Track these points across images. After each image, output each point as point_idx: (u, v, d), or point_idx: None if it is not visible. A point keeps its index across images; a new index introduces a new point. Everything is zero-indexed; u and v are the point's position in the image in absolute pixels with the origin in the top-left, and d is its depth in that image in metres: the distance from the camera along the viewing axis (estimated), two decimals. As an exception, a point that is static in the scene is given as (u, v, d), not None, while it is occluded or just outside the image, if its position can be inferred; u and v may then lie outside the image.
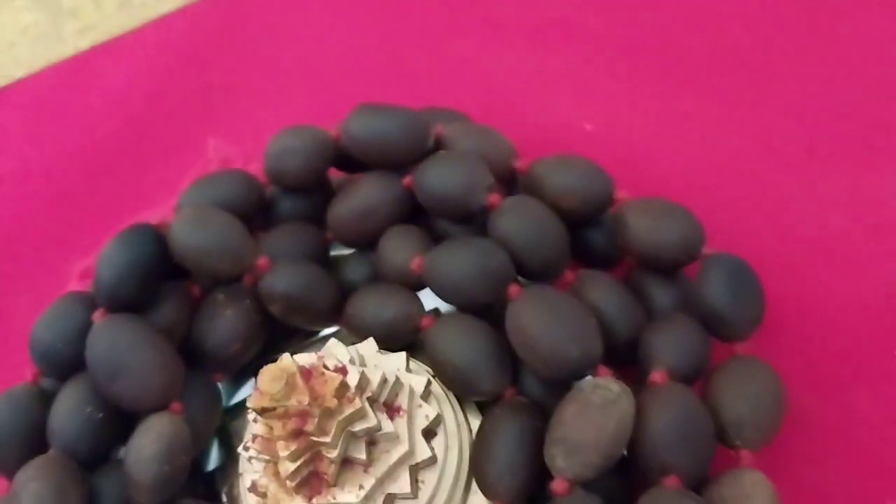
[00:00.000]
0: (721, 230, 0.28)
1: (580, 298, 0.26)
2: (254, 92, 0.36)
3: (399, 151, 0.28)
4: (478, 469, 0.24)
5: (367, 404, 0.22)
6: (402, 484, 0.23)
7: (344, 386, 0.22)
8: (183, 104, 0.36)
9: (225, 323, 0.26)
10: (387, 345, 0.26)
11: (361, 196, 0.28)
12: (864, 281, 0.28)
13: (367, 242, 0.28)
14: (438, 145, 0.28)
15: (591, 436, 0.22)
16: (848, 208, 0.29)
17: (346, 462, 0.23)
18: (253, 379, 0.28)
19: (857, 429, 0.26)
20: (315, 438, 0.22)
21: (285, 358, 0.22)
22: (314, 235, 0.28)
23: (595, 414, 0.22)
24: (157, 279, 0.26)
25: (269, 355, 0.26)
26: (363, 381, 0.23)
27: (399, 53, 0.36)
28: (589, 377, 0.24)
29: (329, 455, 0.22)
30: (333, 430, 0.22)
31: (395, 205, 0.28)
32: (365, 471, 0.23)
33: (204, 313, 0.26)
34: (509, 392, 0.25)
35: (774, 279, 0.27)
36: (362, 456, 0.22)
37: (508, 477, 0.23)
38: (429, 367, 0.26)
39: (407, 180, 0.28)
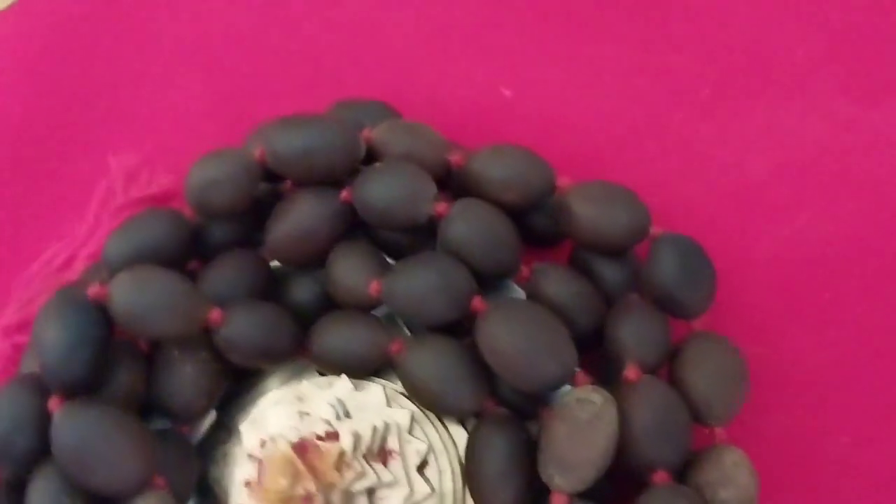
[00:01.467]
0: (649, 190, 0.28)
1: (539, 294, 0.26)
2: (140, 80, 0.33)
3: (331, 166, 0.27)
4: (472, 488, 0.24)
5: (363, 462, 0.22)
6: None
7: (342, 456, 0.22)
8: (64, 104, 0.32)
9: (187, 380, 0.25)
10: (356, 375, 0.25)
11: (299, 217, 0.27)
12: (790, 227, 0.29)
13: (311, 262, 0.27)
14: (370, 152, 0.27)
15: (585, 454, 0.23)
16: (767, 152, 0.30)
17: None
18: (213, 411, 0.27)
19: (798, 374, 0.28)
20: None
21: (280, 443, 0.22)
22: (254, 262, 0.27)
23: (586, 431, 0.23)
24: (105, 350, 0.24)
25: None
26: (357, 441, 0.22)
27: (290, 20, 0.33)
28: (568, 388, 0.24)
29: None
30: (338, 500, 0.22)
31: (336, 221, 0.27)
32: None
33: (162, 373, 0.25)
34: (489, 404, 0.25)
35: (706, 235, 0.28)
36: None
37: (503, 492, 0.24)
38: (402, 388, 0.26)
39: (344, 194, 0.27)
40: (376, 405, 0.24)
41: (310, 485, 0.21)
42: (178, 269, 0.26)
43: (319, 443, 0.22)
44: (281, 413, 0.23)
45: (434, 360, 0.25)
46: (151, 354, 0.26)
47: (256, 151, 0.27)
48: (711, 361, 0.25)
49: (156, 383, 0.25)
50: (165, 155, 0.31)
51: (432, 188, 0.26)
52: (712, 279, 0.26)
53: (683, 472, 0.24)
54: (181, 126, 0.32)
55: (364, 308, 0.26)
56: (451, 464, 0.25)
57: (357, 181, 0.26)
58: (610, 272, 0.27)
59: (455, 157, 0.28)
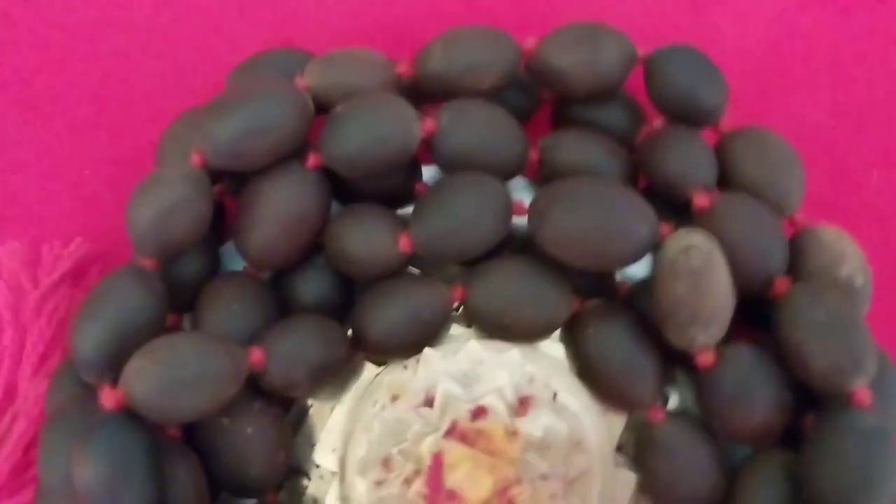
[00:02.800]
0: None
1: (556, 168, 0.24)
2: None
3: (282, 142, 0.22)
4: (604, 387, 0.22)
5: (517, 423, 0.19)
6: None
7: (509, 433, 0.19)
8: None
9: (255, 444, 0.21)
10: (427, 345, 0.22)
11: (277, 207, 0.22)
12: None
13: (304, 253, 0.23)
14: (318, 105, 0.23)
15: (715, 302, 0.21)
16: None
17: None
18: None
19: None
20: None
21: (434, 445, 0.18)
22: (251, 281, 0.23)
23: (706, 278, 0.21)
24: (157, 471, 0.20)
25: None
26: (506, 405, 0.19)
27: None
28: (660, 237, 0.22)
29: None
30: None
31: (321, 196, 0.23)
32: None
33: (221, 448, 0.21)
34: (576, 304, 0.23)
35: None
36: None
37: (642, 378, 0.22)
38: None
39: (312, 160, 0.22)
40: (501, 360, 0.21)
41: (507, 470, 0.18)
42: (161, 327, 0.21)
43: (482, 426, 0.19)
44: (407, 417, 0.20)
45: (512, 280, 0.22)
46: (189, 437, 0.21)
47: (193, 158, 0.22)
48: (765, 153, 0.23)
49: (219, 465, 0.21)
50: (51, 224, 0.26)
51: (411, 109, 0.22)
52: (721, 79, 0.24)
53: (791, 269, 0.23)
54: (50, 189, 0.26)
55: (394, 269, 0.22)
56: (563, 380, 0.22)
57: (324, 135, 0.22)
58: (610, 116, 0.25)
59: (402, 69, 0.24)
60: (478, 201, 0.22)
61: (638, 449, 0.22)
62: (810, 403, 0.21)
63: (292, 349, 0.21)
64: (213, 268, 0.23)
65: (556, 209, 0.21)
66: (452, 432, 0.19)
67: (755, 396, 0.21)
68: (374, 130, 0.22)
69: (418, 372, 0.21)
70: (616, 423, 0.22)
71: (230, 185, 0.24)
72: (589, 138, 0.24)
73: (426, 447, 0.19)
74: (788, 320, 0.21)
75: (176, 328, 0.23)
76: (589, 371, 0.22)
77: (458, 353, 0.21)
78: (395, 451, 0.20)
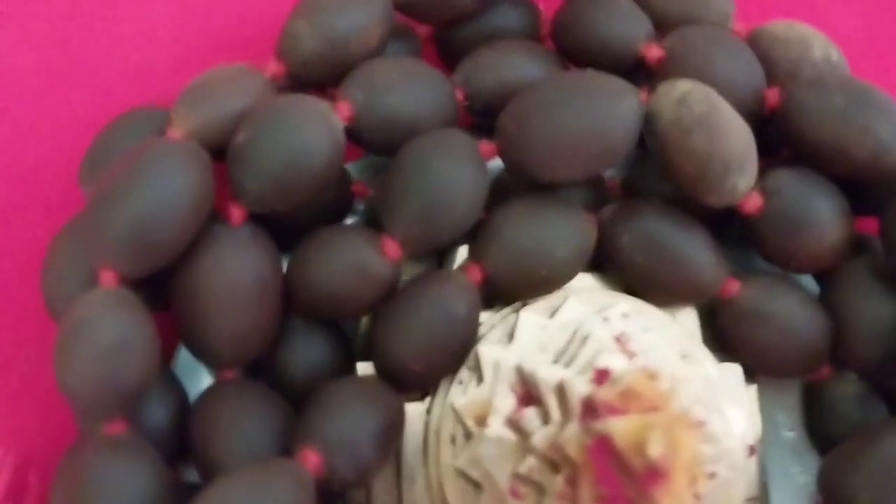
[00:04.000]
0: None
1: None
2: None
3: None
4: (668, 281, 0.19)
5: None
6: None
7: (650, 378, 0.15)
8: None
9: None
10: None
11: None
12: None
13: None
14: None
15: (739, 141, 0.18)
16: None
17: None
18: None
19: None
20: None
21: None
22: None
23: (718, 122, 0.18)
24: None
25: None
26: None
27: None
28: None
29: None
30: None
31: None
32: None
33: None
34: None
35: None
36: None
37: (702, 262, 0.19)
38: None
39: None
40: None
41: (684, 419, 0.15)
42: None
43: (621, 387, 0.15)
44: (508, 434, 0.16)
45: (528, 226, 0.19)
46: None
47: (104, 277, 0.17)
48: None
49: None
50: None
51: (319, 102, 0.18)
52: None
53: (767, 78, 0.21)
54: None
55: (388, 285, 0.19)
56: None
57: (236, 176, 0.18)
58: (505, 20, 0.22)
59: (273, 68, 0.20)
60: (452, 164, 0.18)
61: (729, 328, 0.19)
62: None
63: (349, 432, 0.17)
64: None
65: (531, 123, 0.18)
66: (590, 413, 0.15)
67: (818, 212, 0.19)
68: (291, 142, 0.18)
69: (486, 377, 0.18)
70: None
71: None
72: (505, 47, 0.21)
73: (571, 444, 0.15)
74: (808, 121, 0.19)
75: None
76: (643, 279, 0.19)
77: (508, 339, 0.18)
78: (510, 483, 0.16)
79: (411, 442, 0.19)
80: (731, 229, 0.20)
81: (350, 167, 0.21)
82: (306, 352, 0.19)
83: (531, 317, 0.18)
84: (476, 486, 0.17)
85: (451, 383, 0.19)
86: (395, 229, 0.18)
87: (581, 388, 0.16)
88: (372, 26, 0.20)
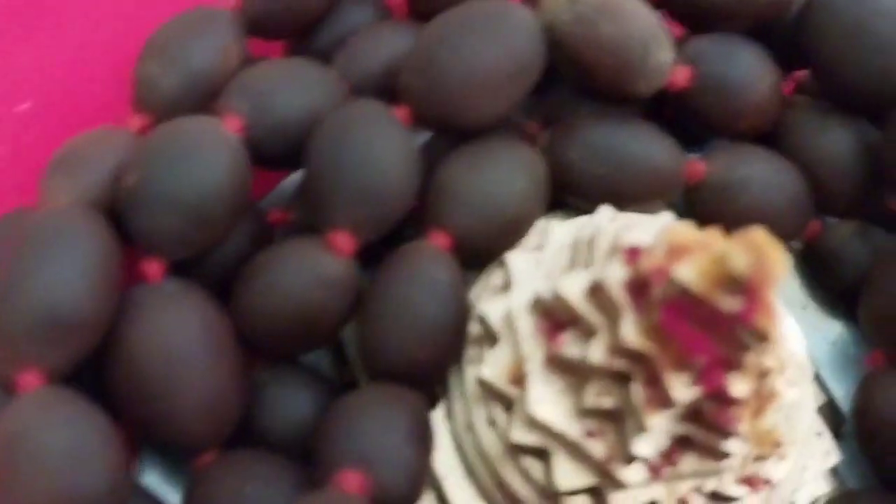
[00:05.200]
0: None
1: None
2: None
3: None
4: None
5: None
6: None
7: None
8: None
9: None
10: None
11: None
12: None
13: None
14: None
15: (646, 17, 0.17)
16: None
17: None
18: None
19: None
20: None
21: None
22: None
23: (609, 13, 0.17)
24: None
25: None
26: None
27: None
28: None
29: None
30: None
31: None
32: None
33: None
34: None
35: None
36: None
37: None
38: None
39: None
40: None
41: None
42: None
43: (686, 237, 0.13)
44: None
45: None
46: None
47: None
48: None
49: None
50: None
51: (211, 120, 0.16)
52: None
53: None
54: None
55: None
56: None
57: (138, 226, 0.15)
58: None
59: (136, 122, 0.17)
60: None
61: (709, 209, 0.18)
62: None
63: (386, 439, 0.14)
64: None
65: (436, 67, 0.16)
66: (642, 291, 0.13)
67: (745, 66, 0.18)
68: (188, 165, 0.15)
69: (501, 333, 0.15)
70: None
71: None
72: (370, 30, 0.19)
73: (635, 337, 0.13)
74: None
75: None
76: (605, 190, 0.17)
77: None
78: (580, 428, 0.14)
79: (442, 456, 0.16)
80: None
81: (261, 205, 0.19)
82: (287, 404, 0.16)
83: (520, 256, 0.16)
84: (541, 454, 0.15)
85: (461, 370, 0.16)
86: (338, 219, 0.16)
87: (618, 274, 0.13)
88: (227, 46, 0.18)
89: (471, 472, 0.16)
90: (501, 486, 0.15)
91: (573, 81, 0.18)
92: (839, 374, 0.19)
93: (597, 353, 0.14)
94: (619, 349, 0.13)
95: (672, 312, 0.13)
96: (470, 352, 0.16)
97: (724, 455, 0.14)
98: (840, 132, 0.19)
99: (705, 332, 0.13)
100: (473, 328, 0.16)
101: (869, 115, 0.19)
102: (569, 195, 0.18)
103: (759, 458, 0.15)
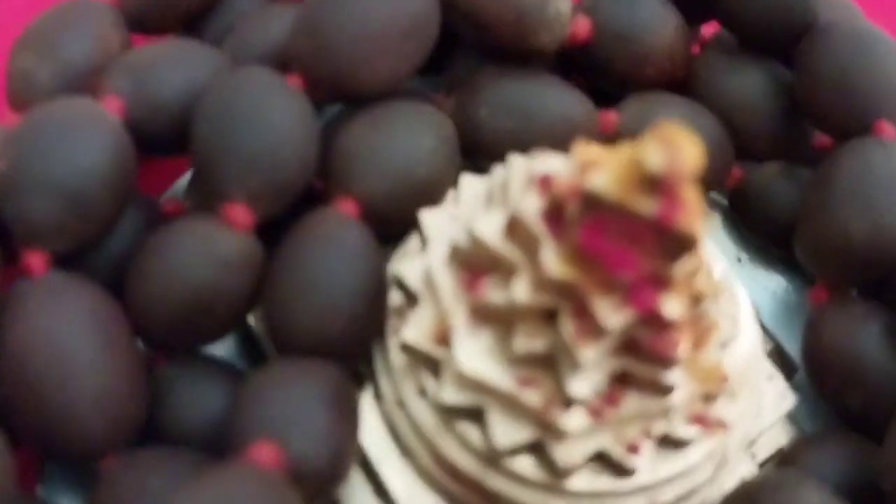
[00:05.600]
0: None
1: None
2: None
3: None
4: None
5: None
6: None
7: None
8: None
9: None
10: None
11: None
12: None
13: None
14: None
15: None
16: None
17: None
18: None
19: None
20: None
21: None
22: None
23: None
24: None
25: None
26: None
27: None
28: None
29: None
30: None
31: None
32: None
33: None
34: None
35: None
36: None
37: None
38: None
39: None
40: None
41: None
42: None
43: (595, 154, 0.12)
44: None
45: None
46: None
47: None
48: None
49: None
50: None
51: (94, 105, 0.15)
52: None
53: None
54: None
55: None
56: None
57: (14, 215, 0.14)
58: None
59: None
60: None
61: None
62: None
63: (303, 410, 0.13)
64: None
65: (328, 27, 0.15)
66: (558, 217, 0.12)
67: (645, 9, 0.18)
68: (67, 147, 0.14)
69: (421, 293, 0.14)
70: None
71: None
72: (255, 13, 0.18)
73: (556, 266, 0.12)
74: None
75: None
76: (518, 144, 0.17)
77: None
78: (513, 377, 0.13)
79: (375, 439, 0.15)
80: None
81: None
82: (195, 399, 0.15)
83: (434, 213, 0.15)
84: (476, 416, 0.14)
85: (384, 346, 0.15)
86: (232, 190, 0.14)
87: (533, 204, 0.13)
88: (105, 35, 0.17)
89: (406, 451, 0.15)
90: (440, 460, 0.14)
91: (473, 42, 0.18)
92: (785, 323, 0.18)
93: (520, 291, 0.13)
94: (542, 284, 0.13)
95: (591, 231, 0.12)
96: (393, 323, 0.15)
97: (667, 389, 0.13)
98: (752, 74, 0.18)
99: (628, 247, 0.12)
100: (394, 298, 0.15)
101: (778, 55, 0.19)
102: (481, 157, 0.17)
103: (708, 398, 0.14)
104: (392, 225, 0.16)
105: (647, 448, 0.14)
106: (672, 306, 0.12)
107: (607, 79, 0.18)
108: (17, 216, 0.14)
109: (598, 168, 0.11)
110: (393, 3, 0.16)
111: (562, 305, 0.13)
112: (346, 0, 0.16)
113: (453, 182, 0.16)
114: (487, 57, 0.18)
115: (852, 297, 0.17)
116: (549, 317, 0.13)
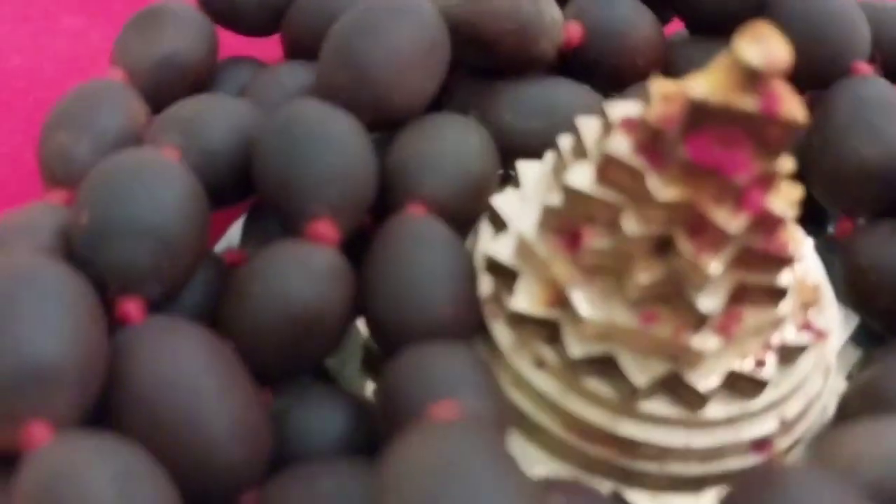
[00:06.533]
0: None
1: None
2: None
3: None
4: None
5: None
6: None
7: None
8: None
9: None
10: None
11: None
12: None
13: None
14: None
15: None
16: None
17: None
18: None
19: None
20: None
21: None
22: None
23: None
24: None
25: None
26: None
27: None
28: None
29: None
30: None
31: None
32: None
33: None
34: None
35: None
36: None
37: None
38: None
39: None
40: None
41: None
42: None
43: (674, 86, 0.13)
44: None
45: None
46: None
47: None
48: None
49: None
50: None
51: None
52: None
53: None
54: None
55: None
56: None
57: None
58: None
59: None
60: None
61: None
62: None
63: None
64: None
65: (363, 52, 0.16)
66: (658, 145, 0.13)
67: (625, 10, 0.19)
68: (146, 199, 0.14)
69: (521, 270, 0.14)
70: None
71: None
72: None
73: (666, 190, 0.13)
74: None
75: None
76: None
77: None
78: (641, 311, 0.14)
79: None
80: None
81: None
82: (317, 427, 0.14)
83: (504, 198, 0.16)
84: (603, 364, 0.14)
85: (484, 336, 0.15)
86: (315, 207, 0.15)
87: (623, 145, 0.13)
88: (132, 107, 0.17)
89: (531, 430, 0.15)
90: (569, 422, 0.14)
91: (476, 63, 0.18)
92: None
93: (630, 225, 0.13)
94: (650, 216, 0.13)
95: (697, 145, 0.13)
96: (490, 309, 0.15)
97: (781, 293, 0.14)
98: (719, 51, 0.20)
99: (737, 150, 0.13)
100: (484, 286, 0.15)
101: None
102: (513, 160, 0.18)
103: (805, 307, 0.15)
104: (456, 220, 0.16)
105: (771, 361, 0.14)
106: (780, 204, 0.13)
107: (602, 76, 0.19)
108: (110, 264, 0.13)
109: (697, 79, 0.12)
110: (412, 26, 0.17)
111: (674, 231, 0.13)
112: (372, 28, 0.16)
113: (498, 178, 0.17)
114: (489, 76, 0.19)
115: (876, 221, 0.18)
116: (660, 249, 0.13)
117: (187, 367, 0.13)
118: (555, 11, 0.18)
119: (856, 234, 0.18)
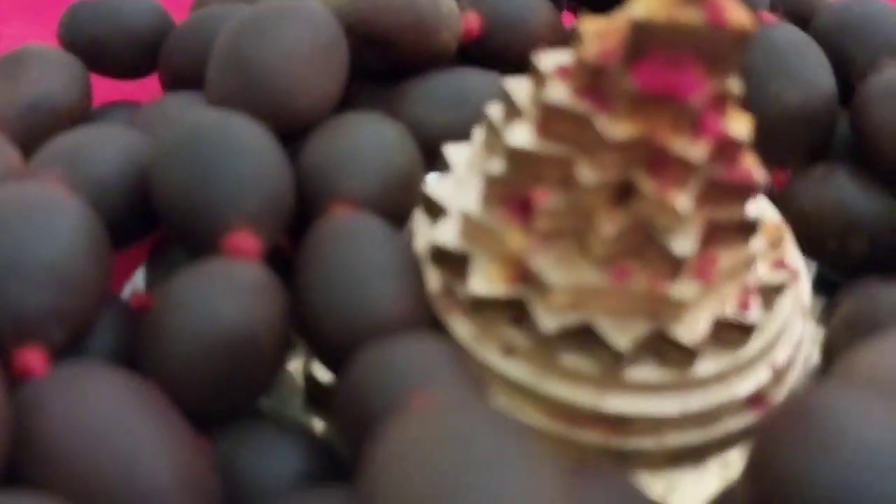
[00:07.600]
0: None
1: None
2: None
3: None
4: None
5: None
6: None
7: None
8: None
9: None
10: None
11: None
12: None
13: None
14: None
15: None
16: None
17: None
18: None
19: None
20: None
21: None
22: None
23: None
24: None
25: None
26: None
27: None
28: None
29: None
30: None
31: None
32: None
33: None
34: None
35: None
36: None
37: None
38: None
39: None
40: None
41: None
42: None
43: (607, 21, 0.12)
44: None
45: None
46: None
47: None
48: None
49: None
50: None
51: None
52: None
53: None
54: None
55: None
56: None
57: None
58: None
59: None
60: None
61: None
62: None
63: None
64: None
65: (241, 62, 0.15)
66: (594, 80, 0.12)
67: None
68: (39, 229, 0.12)
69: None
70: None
71: None
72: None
73: (623, 127, 0.11)
74: None
75: None
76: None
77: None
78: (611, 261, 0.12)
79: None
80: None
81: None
82: (268, 467, 0.12)
83: (438, 184, 0.14)
84: (581, 336, 0.12)
85: (441, 332, 0.13)
86: (232, 217, 0.13)
87: (562, 90, 0.12)
88: (3, 151, 0.15)
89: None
90: (552, 406, 0.13)
91: (376, 63, 0.17)
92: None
93: (586, 174, 0.12)
94: (604, 161, 0.12)
95: (645, 72, 0.12)
96: (443, 303, 0.13)
97: (751, 227, 0.13)
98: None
99: (686, 70, 0.12)
100: (431, 281, 0.14)
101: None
102: (430, 152, 0.16)
103: (774, 246, 0.14)
104: (385, 216, 0.14)
105: (755, 303, 0.13)
106: (738, 126, 0.12)
107: (505, 65, 0.19)
108: (2, 310, 0.11)
109: (635, 4, 0.11)
110: (304, 27, 0.15)
111: (633, 173, 0.12)
112: (261, 32, 0.15)
113: (424, 171, 0.16)
114: (393, 78, 0.17)
115: (808, 167, 0.18)
116: (620, 197, 0.12)
117: (113, 414, 0.11)
118: (450, 2, 0.17)
119: (793, 182, 0.17)
